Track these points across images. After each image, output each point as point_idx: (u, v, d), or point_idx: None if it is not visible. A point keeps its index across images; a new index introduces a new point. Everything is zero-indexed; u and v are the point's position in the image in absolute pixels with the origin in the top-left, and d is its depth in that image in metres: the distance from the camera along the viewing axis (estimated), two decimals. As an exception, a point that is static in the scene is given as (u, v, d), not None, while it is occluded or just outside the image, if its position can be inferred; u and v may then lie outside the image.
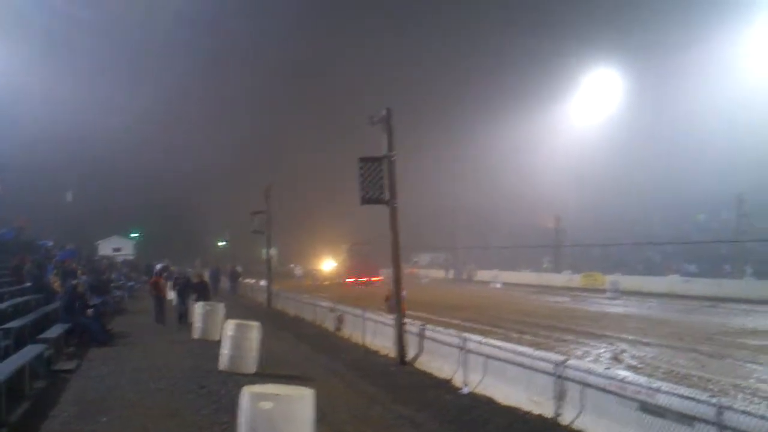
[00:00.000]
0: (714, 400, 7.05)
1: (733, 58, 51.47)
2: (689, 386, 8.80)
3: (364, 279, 54.91)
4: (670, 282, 40.46)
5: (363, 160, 15.25)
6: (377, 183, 15.22)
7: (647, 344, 18.66)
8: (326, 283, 59.68)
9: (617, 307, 31.42)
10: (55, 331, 15.43)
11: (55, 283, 20.68)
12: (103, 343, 17.22)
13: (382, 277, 51.95)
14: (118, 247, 70.75)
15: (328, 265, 69.30)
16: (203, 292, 22.45)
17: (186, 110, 78.29)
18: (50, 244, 29.46)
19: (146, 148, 75.34)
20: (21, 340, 13.88)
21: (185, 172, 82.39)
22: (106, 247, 68.57)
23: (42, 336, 14.41)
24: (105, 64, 69.20)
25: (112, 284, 28.37)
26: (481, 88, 68.64)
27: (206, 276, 27.72)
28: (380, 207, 15.68)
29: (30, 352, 11.97)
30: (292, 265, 72.69)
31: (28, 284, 21.17)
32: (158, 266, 31.34)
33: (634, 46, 57.91)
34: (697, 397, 7.33)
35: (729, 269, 43.35)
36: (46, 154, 61.18)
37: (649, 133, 57.47)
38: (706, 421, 7.07)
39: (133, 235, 76.25)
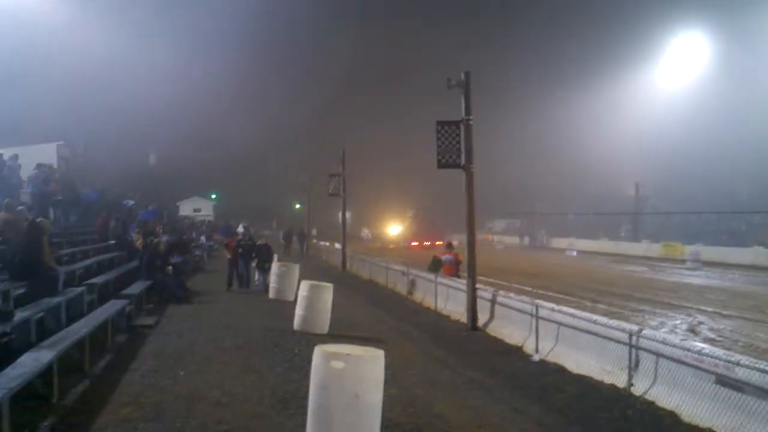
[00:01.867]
0: (795, 376, 6.84)
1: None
2: (769, 361, 8.52)
3: (428, 243, 56.92)
4: (755, 253, 39.12)
5: (441, 123, 15.18)
6: (454, 147, 15.15)
7: (727, 317, 18.16)
8: (392, 246, 60.74)
9: (697, 278, 30.62)
10: (136, 288, 15.95)
11: (138, 241, 21.32)
12: (182, 301, 17.73)
13: (443, 242, 52.41)
14: (198, 208, 72.57)
15: (394, 229, 70.70)
16: (264, 255, 22.02)
17: (266, 78, 79.12)
18: (132, 203, 30.29)
19: (228, 113, 76.64)
20: (104, 295, 14.43)
21: (265, 137, 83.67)
22: (187, 208, 70.42)
23: (124, 292, 14.93)
24: (190, 34, 70.33)
25: (192, 244, 29.08)
26: (563, 53, 67.18)
27: (280, 237, 28.31)
28: (451, 172, 15.61)
29: (112, 307, 12.41)
30: (364, 230, 73.57)
31: (112, 242, 21.92)
32: (239, 228, 32.02)
33: (721, 7, 55.62)
34: (777, 371, 7.10)
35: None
36: (131, 118, 62.89)
37: (737, 98, 55.27)
38: (786, 397, 6.87)
39: (213, 196, 77.92)
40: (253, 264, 22.22)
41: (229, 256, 22.61)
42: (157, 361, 10.46)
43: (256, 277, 22.19)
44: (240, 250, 22.12)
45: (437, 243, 55.24)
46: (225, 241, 25.55)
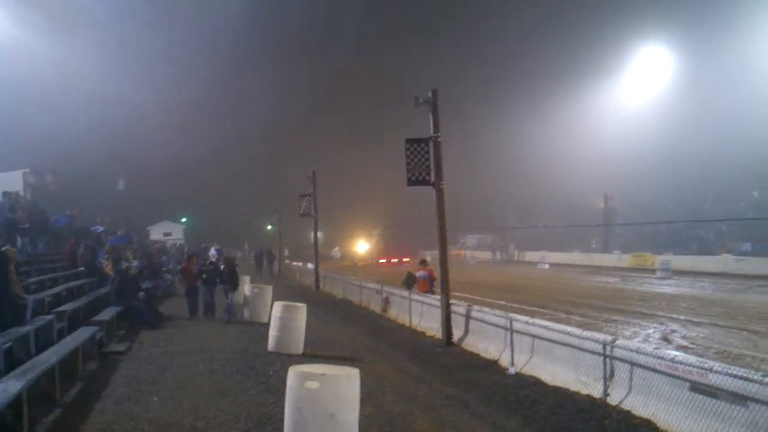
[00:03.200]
0: (767, 380, 6.89)
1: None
2: (742, 366, 8.59)
3: (396, 260, 59.37)
4: (723, 261, 39.63)
5: (409, 141, 15.24)
6: (423, 164, 15.21)
7: (698, 324, 18.34)
8: (361, 264, 61.24)
9: (668, 287, 30.92)
10: (107, 314, 15.75)
11: (107, 267, 21.10)
12: (154, 326, 17.54)
13: (410, 258, 55.44)
14: (168, 232, 71.92)
15: (362, 247, 71.69)
16: (229, 279, 19.88)
17: (235, 100, 78.99)
18: (102, 229, 29.97)
19: (195, 135, 76.30)
20: (74, 322, 14.21)
21: (235, 158, 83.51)
22: (156, 232, 69.73)
23: (94, 319, 14.73)
24: (156, 56, 70.00)
25: (162, 268, 28.79)
26: (528, 69, 67.86)
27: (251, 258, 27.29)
28: (422, 189, 15.67)
29: (83, 334, 12.23)
30: (335, 249, 73.77)
31: (82, 268, 21.64)
32: (211, 251, 31.66)
33: (683, 21, 56.61)
34: (751, 376, 7.15)
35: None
36: (99, 143, 62.34)
37: (700, 110, 56.13)
38: (759, 401, 6.92)
39: (182, 219, 77.36)
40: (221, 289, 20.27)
41: (185, 282, 21.23)
42: (129, 388, 10.31)
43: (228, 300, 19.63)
44: (204, 276, 20.35)
45: (405, 260, 57.75)
46: (181, 266, 23.36)
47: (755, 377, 7.08)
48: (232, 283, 19.89)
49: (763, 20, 49.53)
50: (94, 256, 22.42)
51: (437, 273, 17.28)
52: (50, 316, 12.91)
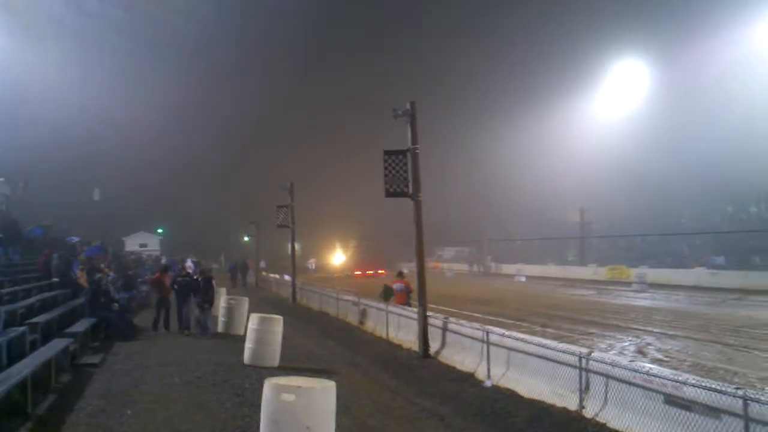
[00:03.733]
0: (740, 393, 6.95)
1: (761, 45, 50.69)
2: (716, 379, 8.67)
3: (371, 272, 59.92)
4: (697, 274, 39.95)
5: (388, 153, 15.23)
6: (401, 176, 15.21)
7: (673, 337, 18.48)
8: (336, 275, 61.38)
9: (643, 300, 31.14)
10: (80, 326, 15.58)
11: (81, 278, 20.89)
12: (128, 338, 17.39)
13: (385, 270, 56.66)
14: (144, 243, 71.33)
15: (338, 258, 72.12)
16: (203, 292, 19.03)
17: (210, 109, 78.69)
18: (77, 240, 29.71)
19: (171, 145, 75.86)
20: (47, 334, 14.05)
21: (211, 169, 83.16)
22: (132, 243, 69.13)
23: (68, 330, 14.57)
24: (129, 63, 69.70)
25: (138, 279, 28.55)
26: (505, 83, 68.21)
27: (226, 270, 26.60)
28: (399, 201, 15.67)
29: (56, 346, 12.08)
30: (310, 261, 73.67)
31: (56, 279, 21.41)
32: (187, 263, 31.34)
33: (660, 36, 57.26)
34: (724, 389, 7.22)
35: (758, 261, 42.74)
36: (73, 152, 61.88)
37: (676, 125, 56.72)
38: (732, 414, 7.00)
39: (158, 230, 76.81)
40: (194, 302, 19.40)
41: (157, 294, 20.34)
42: (103, 401, 10.20)
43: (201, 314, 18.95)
44: (176, 287, 19.65)
45: (380, 272, 58.54)
46: (152, 277, 22.53)
47: (729, 390, 7.15)
48: (207, 297, 18.97)
49: (739, 30, 50.20)
50: (68, 267, 22.20)
51: (414, 285, 17.28)
52: (23, 328, 12.77)
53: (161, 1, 65.54)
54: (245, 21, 74.70)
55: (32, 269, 22.72)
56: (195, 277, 20.41)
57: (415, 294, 16.85)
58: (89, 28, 61.86)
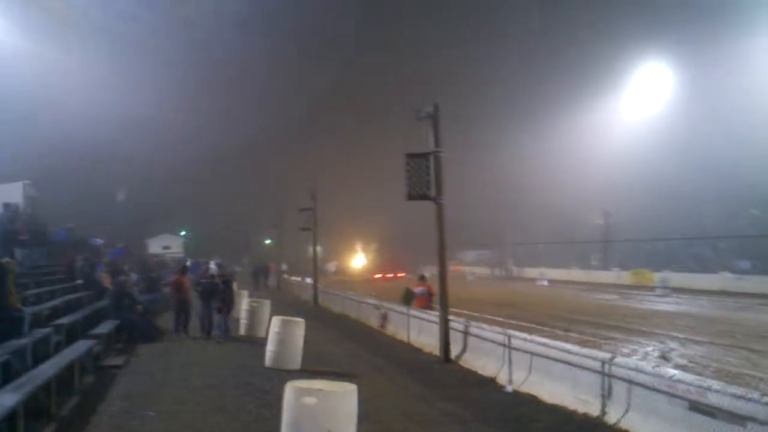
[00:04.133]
0: (766, 399, 6.87)
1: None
2: (741, 385, 8.57)
3: (391, 275, 60.61)
4: (722, 279, 39.60)
5: (410, 155, 15.19)
6: (423, 179, 15.16)
7: (697, 342, 18.31)
8: (357, 278, 61.61)
9: (667, 305, 30.88)
10: (104, 328, 15.72)
11: (106, 280, 21.06)
12: (152, 340, 17.49)
13: (405, 273, 57.60)
14: (167, 245, 71.82)
15: (359, 261, 72.29)
16: (223, 296, 18.80)
17: (234, 113, 79.09)
18: (100, 242, 29.96)
19: (195, 147, 76.27)
20: (72, 335, 14.17)
21: (235, 172, 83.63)
22: (155, 245, 69.63)
23: (92, 332, 14.70)
24: (154, 63, 70.18)
25: (161, 281, 28.73)
26: (528, 85, 67.89)
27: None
28: (422, 203, 15.64)
29: (80, 347, 12.20)
30: (330, 264, 73.79)
31: (80, 281, 21.61)
32: (210, 265, 31.44)
33: (685, 39, 56.76)
34: (750, 396, 7.14)
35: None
36: (96, 154, 62.44)
37: (700, 127, 56.19)
38: (758, 421, 6.91)
39: (182, 233, 77.31)
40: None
41: (176, 296, 19.76)
42: (126, 402, 10.28)
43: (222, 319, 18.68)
44: (200, 289, 19.37)
45: (399, 275, 59.06)
46: (173, 279, 21.44)
47: (754, 396, 7.07)
48: (225, 302, 18.73)
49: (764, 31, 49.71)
50: (92, 269, 22.39)
51: (436, 289, 17.26)
52: (48, 329, 12.89)
53: (190, 2, 66.15)
54: (270, 23, 74.97)
55: (57, 271, 22.93)
56: (218, 281, 19.73)
57: (437, 297, 16.82)
58: (113, 29, 62.50)
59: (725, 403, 7.37)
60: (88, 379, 12.14)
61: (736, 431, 7.18)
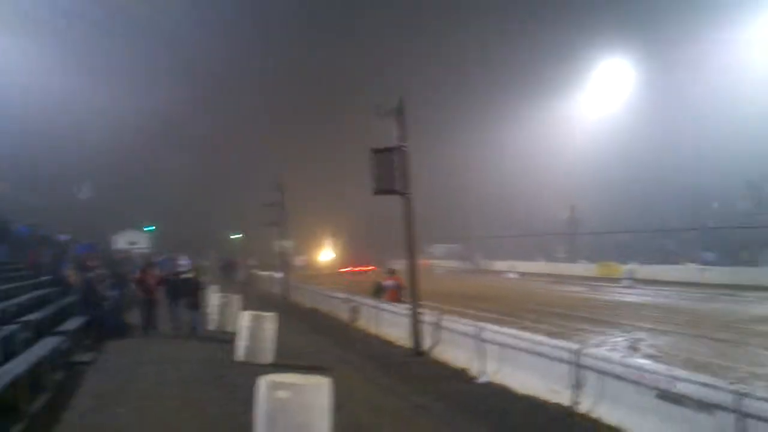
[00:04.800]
0: (733, 387, 7.00)
1: (746, 45, 50.95)
2: (708, 374, 8.72)
3: (358, 268, 61.18)
4: (687, 270, 40.14)
5: (375, 150, 15.16)
6: (390, 173, 15.14)
7: (664, 333, 18.55)
8: (325, 273, 61.76)
9: (633, 296, 31.23)
10: (72, 324, 15.54)
11: (72, 276, 20.80)
12: (120, 335, 17.33)
13: (372, 267, 57.81)
14: (133, 241, 71.10)
15: (326, 255, 72.65)
16: (192, 293, 18.44)
17: (198, 107, 78.43)
18: (66, 238, 29.62)
19: (159, 142, 75.70)
20: (39, 332, 13.97)
21: (201, 167, 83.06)
22: (121, 241, 68.95)
23: (59, 328, 14.51)
24: (117, 61, 69.48)
25: (128, 277, 28.44)
26: (492, 80, 68.17)
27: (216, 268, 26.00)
28: (385, 198, 15.65)
29: (48, 344, 12.05)
30: (297, 257, 73.78)
31: (46, 278, 21.32)
32: (181, 261, 31.12)
33: (646, 36, 57.46)
34: (717, 384, 7.28)
35: (747, 257, 42.94)
36: (60, 149, 61.64)
37: (662, 122, 56.95)
38: (725, 409, 7.03)
39: (147, 228, 76.57)
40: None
41: (141, 293, 19.25)
42: (95, 399, 10.19)
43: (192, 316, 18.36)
44: (166, 286, 18.99)
45: (368, 268, 59.23)
46: (136, 276, 20.56)
47: (721, 385, 7.19)
48: (195, 299, 18.45)
49: (725, 26, 50.38)
50: (58, 265, 22.11)
51: (405, 282, 17.29)
52: (15, 326, 12.69)
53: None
54: (237, 17, 74.53)
55: (21, 267, 22.59)
56: (187, 277, 19.57)
57: (407, 290, 16.85)
58: (76, 24, 61.68)
59: (693, 391, 7.50)
60: (58, 375, 12.00)
61: (704, 419, 7.30)
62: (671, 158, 54.46)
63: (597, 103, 65.60)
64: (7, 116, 50.34)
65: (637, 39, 58.24)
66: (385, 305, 18.82)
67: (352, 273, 59.28)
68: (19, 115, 51.83)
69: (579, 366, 9.47)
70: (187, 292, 18.54)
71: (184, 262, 31.11)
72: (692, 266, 40.86)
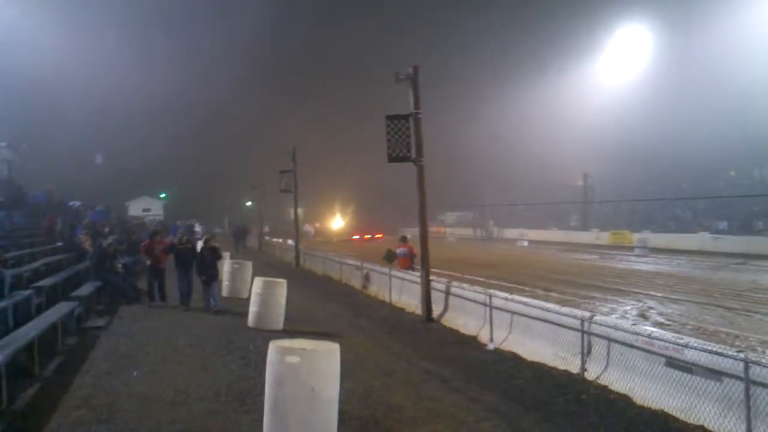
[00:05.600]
0: (742, 355, 7.00)
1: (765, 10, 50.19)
2: (717, 342, 8.73)
3: (369, 236, 61.99)
4: (700, 239, 40.03)
5: (390, 117, 15.15)
6: (404, 141, 15.15)
7: (675, 301, 18.55)
8: (335, 240, 61.92)
9: (645, 265, 31.21)
10: (85, 289, 15.65)
11: (86, 242, 20.94)
12: (133, 301, 17.45)
13: (383, 235, 59.68)
14: (147, 208, 71.49)
15: (337, 223, 73.32)
16: (208, 265, 16.62)
17: (214, 74, 78.26)
18: (79, 204, 29.77)
19: (174, 110, 75.69)
20: (53, 297, 14.13)
21: (215, 134, 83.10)
22: (135, 208, 69.33)
23: (73, 294, 14.64)
24: (135, 31, 69.29)
25: (141, 244, 28.59)
26: (508, 47, 67.62)
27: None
28: (399, 166, 15.66)
29: (61, 309, 12.17)
30: (306, 225, 73.76)
31: (60, 244, 21.49)
32: (195, 227, 31.03)
33: (664, 2, 56.74)
34: (725, 352, 7.27)
35: (761, 226, 42.73)
36: (76, 117, 61.73)
37: (679, 89, 56.36)
38: (733, 376, 7.04)
39: (161, 195, 76.87)
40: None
41: (149, 262, 18.00)
42: (109, 363, 10.30)
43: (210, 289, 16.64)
44: (175, 255, 17.37)
45: (377, 236, 60.61)
46: (144, 243, 19.05)
47: (730, 353, 7.20)
48: (213, 271, 16.80)
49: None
50: (72, 232, 22.27)
51: (417, 250, 17.32)
52: (28, 291, 12.85)
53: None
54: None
55: (36, 234, 22.79)
56: (202, 246, 17.94)
57: (418, 258, 16.89)
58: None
59: (702, 359, 7.50)
60: (71, 340, 12.13)
61: (712, 386, 7.33)
62: (687, 126, 53.93)
63: (614, 70, 64.91)
64: (22, 84, 50.38)
65: (656, 5, 57.49)
66: (396, 272, 18.88)
67: (363, 240, 59.89)
68: (33, 83, 51.85)
69: (588, 333, 9.49)
70: (199, 265, 16.78)
71: (197, 228, 31.11)
72: (705, 235, 40.70)
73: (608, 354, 9.12)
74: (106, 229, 23.60)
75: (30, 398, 8.36)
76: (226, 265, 20.20)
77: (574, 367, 9.63)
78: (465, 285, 14.89)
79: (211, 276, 16.61)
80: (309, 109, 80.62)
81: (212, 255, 16.96)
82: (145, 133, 75.13)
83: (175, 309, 16.54)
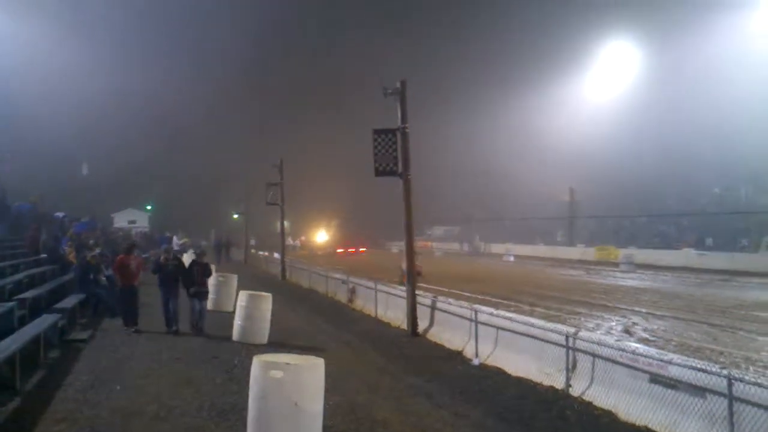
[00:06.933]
0: (725, 372, 7.03)
1: (750, 29, 50.68)
2: (701, 359, 8.77)
3: (352, 249, 62.17)
4: (685, 255, 40.23)
5: (377, 131, 15.22)
6: (391, 155, 15.21)
7: (660, 317, 18.59)
8: (320, 253, 62.01)
9: (631, 281, 31.31)
10: (69, 302, 15.54)
11: (70, 254, 20.81)
12: (117, 314, 17.29)
13: (365, 248, 61.29)
14: (133, 220, 71.02)
15: (321, 236, 73.65)
16: (192, 279, 15.33)
17: (202, 87, 78.15)
18: (64, 215, 29.58)
19: (160, 121, 75.51)
20: (36, 310, 14.01)
21: (202, 147, 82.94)
22: (121, 220, 68.82)
23: (56, 306, 14.53)
24: (119, 37, 69.13)
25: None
26: (494, 63, 67.95)
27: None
28: (386, 180, 15.71)
29: (44, 321, 12.06)
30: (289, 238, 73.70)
31: (44, 255, 21.33)
32: (174, 240, 30.74)
33: (651, 19, 57.15)
34: (709, 368, 7.31)
35: (746, 243, 42.98)
36: (62, 129, 61.40)
37: (664, 107, 56.75)
38: (717, 393, 7.08)
39: (147, 207, 76.47)
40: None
41: (120, 281, 15.91)
42: (92, 376, 10.22)
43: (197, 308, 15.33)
44: (160, 275, 15.50)
45: (361, 250, 61.67)
46: (118, 257, 16.50)
47: (713, 369, 7.23)
48: (204, 288, 15.87)
49: (729, 13, 50.12)
50: (56, 243, 22.12)
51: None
52: (11, 303, 12.73)
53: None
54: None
55: (19, 245, 22.60)
56: (192, 261, 17.18)
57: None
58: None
59: (686, 375, 7.54)
60: (54, 353, 12.02)
61: (696, 402, 7.36)
62: (672, 143, 54.26)
63: (601, 86, 65.27)
64: (6, 94, 50.08)
65: (642, 22, 57.94)
66: (382, 286, 18.87)
67: (346, 253, 60.25)
68: (17, 93, 51.54)
69: (573, 349, 9.52)
70: (190, 281, 15.37)
71: (177, 242, 30.86)
72: (690, 251, 40.94)
73: (593, 370, 9.14)
74: (92, 242, 23.46)
75: (11, 413, 8.28)
76: (211, 278, 20.10)
77: (558, 383, 9.64)
78: (451, 300, 14.93)
79: (200, 292, 15.45)
80: (297, 121, 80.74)
81: (202, 270, 15.90)
82: (132, 144, 74.77)
83: (159, 321, 16.04)
